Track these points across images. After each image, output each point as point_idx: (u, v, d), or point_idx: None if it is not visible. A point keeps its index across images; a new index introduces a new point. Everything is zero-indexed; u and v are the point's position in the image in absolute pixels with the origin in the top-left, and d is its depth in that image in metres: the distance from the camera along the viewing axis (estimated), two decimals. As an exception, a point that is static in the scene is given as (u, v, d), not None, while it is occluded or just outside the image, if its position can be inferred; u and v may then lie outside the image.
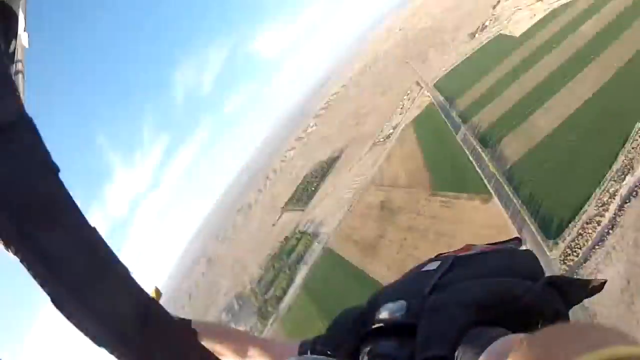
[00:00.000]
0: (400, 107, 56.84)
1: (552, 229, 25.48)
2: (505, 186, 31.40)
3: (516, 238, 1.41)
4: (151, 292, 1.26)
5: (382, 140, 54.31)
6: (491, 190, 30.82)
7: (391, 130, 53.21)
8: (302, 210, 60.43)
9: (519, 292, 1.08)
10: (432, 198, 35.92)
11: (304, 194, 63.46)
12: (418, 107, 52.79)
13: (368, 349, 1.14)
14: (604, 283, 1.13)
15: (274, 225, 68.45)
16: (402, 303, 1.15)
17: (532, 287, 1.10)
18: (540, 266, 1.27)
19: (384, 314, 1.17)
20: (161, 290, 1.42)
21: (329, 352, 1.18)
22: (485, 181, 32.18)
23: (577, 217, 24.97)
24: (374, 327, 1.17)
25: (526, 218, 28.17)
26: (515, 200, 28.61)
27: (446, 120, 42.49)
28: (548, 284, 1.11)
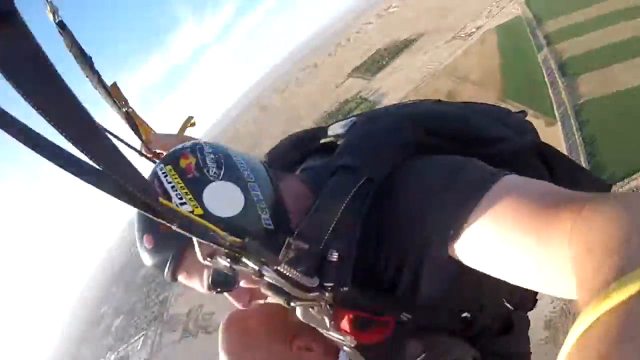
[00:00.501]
0: (488, 10, 56.57)
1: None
2: (572, 119, 33.50)
3: (522, 110, 1.25)
4: (186, 120, 1.59)
5: (463, 36, 55.58)
6: (557, 117, 33.42)
7: (474, 30, 53.99)
8: (368, 80, 65.77)
9: (493, 135, 1.00)
10: (499, 103, 38.42)
11: (373, 65, 67.84)
12: (506, 15, 53.00)
13: (302, 166, 1.13)
14: (610, 186, 1.04)
15: (337, 87, 74.91)
16: (352, 119, 1.12)
17: (515, 138, 1.02)
18: (536, 132, 1.15)
19: (332, 130, 1.14)
20: (196, 122, 1.51)
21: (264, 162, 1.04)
22: (555, 106, 34.12)
23: (626, 180, 27.31)
24: (320, 142, 1.16)
25: (581, 156, 30.68)
26: (576, 135, 31.35)
27: (531, 37, 43.83)
28: (537, 148, 1.01)
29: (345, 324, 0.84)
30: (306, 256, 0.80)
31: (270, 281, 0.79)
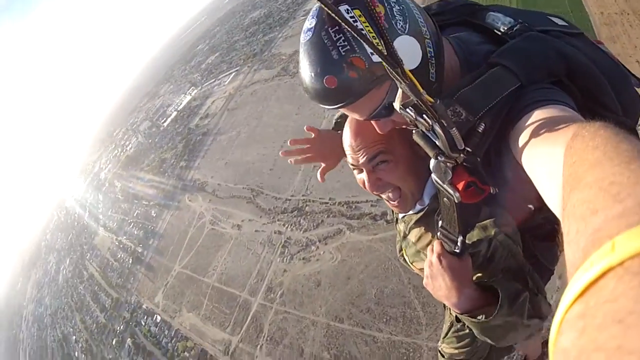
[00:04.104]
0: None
1: None
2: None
3: (637, 78, 1.40)
4: None
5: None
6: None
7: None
8: None
9: (610, 105, 1.18)
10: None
11: None
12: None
13: (454, 34, 1.34)
14: None
15: None
16: (510, 20, 1.31)
17: (620, 114, 1.20)
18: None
19: (489, 19, 1.35)
20: None
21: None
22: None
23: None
24: (480, 23, 1.36)
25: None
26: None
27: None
28: (634, 131, 1.18)
29: (460, 184, 1.03)
30: (462, 122, 1.00)
31: (428, 134, 1.00)
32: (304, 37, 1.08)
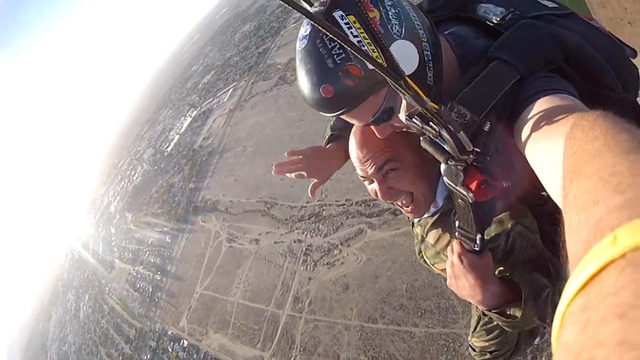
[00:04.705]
0: None
1: None
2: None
3: (633, 49, 1.41)
4: None
5: None
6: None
7: None
8: None
9: (610, 84, 1.17)
10: None
11: None
12: None
13: (449, 30, 1.33)
14: None
15: None
16: (501, 10, 1.29)
17: (620, 91, 1.19)
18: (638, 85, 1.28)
19: (481, 11, 1.33)
20: None
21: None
22: None
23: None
24: (473, 16, 1.35)
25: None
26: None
27: None
28: (635, 104, 1.17)
29: (473, 184, 1.05)
30: (467, 123, 1.00)
31: (436, 140, 1.01)
32: (299, 45, 1.10)
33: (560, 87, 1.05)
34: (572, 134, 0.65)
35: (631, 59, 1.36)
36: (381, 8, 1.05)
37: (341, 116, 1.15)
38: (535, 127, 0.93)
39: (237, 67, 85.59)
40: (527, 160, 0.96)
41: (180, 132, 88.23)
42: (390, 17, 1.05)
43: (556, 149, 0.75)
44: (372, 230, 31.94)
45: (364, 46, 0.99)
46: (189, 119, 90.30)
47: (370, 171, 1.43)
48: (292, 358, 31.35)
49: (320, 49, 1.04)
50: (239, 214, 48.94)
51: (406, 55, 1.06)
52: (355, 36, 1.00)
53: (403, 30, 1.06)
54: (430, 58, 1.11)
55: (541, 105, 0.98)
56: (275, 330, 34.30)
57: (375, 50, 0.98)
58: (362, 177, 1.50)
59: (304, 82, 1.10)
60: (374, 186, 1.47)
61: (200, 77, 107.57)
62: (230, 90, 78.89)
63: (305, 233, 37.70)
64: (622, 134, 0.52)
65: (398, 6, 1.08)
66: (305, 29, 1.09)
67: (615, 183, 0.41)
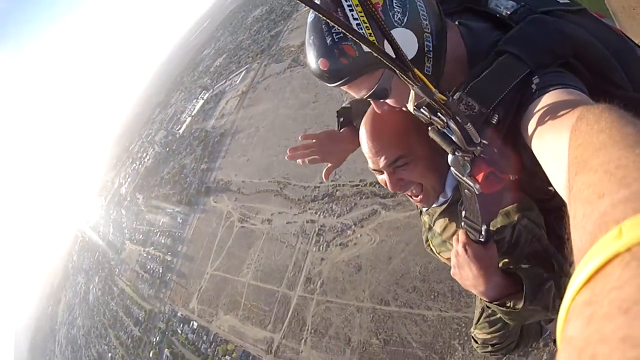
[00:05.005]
0: None
1: None
2: None
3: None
4: None
5: None
6: None
7: None
8: None
9: (618, 81, 1.18)
10: None
11: None
12: None
13: (460, 22, 1.34)
14: None
15: None
16: (512, 3, 1.30)
17: (630, 90, 1.20)
18: None
19: (492, 4, 1.34)
20: None
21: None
22: None
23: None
24: (484, 9, 1.36)
25: None
26: None
27: None
28: None
29: (480, 176, 1.07)
30: (475, 115, 1.05)
31: (444, 131, 1.04)
32: (309, 17, 1.17)
33: (568, 82, 1.06)
34: (577, 126, 0.65)
35: None
36: None
37: (340, 87, 1.21)
38: (542, 121, 0.95)
39: (250, 50, 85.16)
40: (534, 154, 0.97)
41: (192, 114, 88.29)
42: (394, 4, 1.09)
43: (561, 141, 0.76)
44: (386, 211, 31.57)
45: (361, 29, 1.05)
46: (201, 102, 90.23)
47: (381, 164, 1.45)
48: (303, 340, 31.26)
49: (323, 25, 1.12)
50: (251, 194, 48.77)
51: (404, 43, 1.08)
52: (355, 19, 1.06)
53: (405, 19, 1.10)
54: (430, 49, 1.14)
55: (549, 99, 0.99)
56: (287, 311, 34.23)
57: (372, 34, 1.05)
58: (372, 169, 1.52)
59: (307, 53, 1.17)
60: (384, 177, 1.49)
61: (212, 61, 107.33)
62: (243, 73, 78.50)
63: (318, 213, 37.39)
64: (627, 127, 0.52)
65: None
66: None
67: (620, 176, 0.41)
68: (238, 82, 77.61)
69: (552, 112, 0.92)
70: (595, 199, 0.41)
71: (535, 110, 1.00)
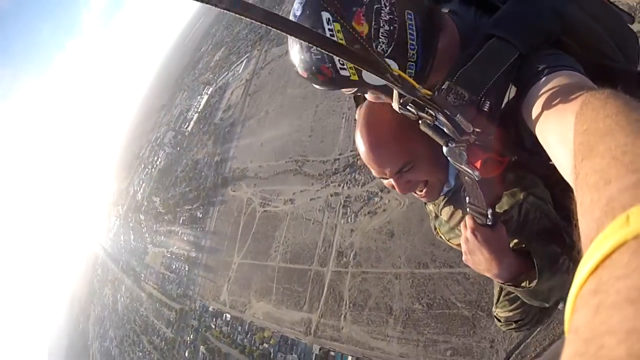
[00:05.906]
0: None
1: None
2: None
3: (630, 14, 1.42)
4: None
5: None
6: None
7: None
8: None
9: (610, 54, 1.20)
10: None
11: None
12: None
13: (450, 9, 1.33)
14: None
15: None
16: None
17: (622, 61, 1.21)
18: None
19: None
20: None
21: None
22: None
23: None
24: None
25: None
26: None
27: None
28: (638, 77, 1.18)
29: (478, 162, 1.08)
30: (465, 104, 1.03)
31: (436, 124, 1.03)
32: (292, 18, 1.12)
33: (565, 64, 1.05)
34: (583, 111, 0.65)
35: (630, 27, 1.35)
36: (373, 23, 1.04)
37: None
38: (545, 106, 0.93)
39: (248, 39, 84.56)
40: (535, 136, 0.97)
41: (199, 110, 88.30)
42: (381, 34, 1.05)
43: (566, 127, 0.77)
44: (413, 172, 30.86)
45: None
46: (205, 97, 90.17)
47: (388, 174, 1.43)
48: (342, 316, 30.88)
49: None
50: (269, 177, 48.45)
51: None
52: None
53: (389, 50, 1.07)
54: (411, 71, 1.12)
55: (549, 83, 0.98)
56: (321, 289, 33.86)
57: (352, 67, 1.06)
58: (377, 176, 1.49)
59: (290, 49, 1.14)
60: (391, 181, 1.46)
61: (211, 56, 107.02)
62: (244, 62, 77.96)
63: (342, 185, 36.78)
64: (633, 113, 0.51)
65: (395, 22, 1.06)
66: (297, 6, 1.09)
67: (627, 162, 0.41)
68: (240, 71, 77.17)
69: (555, 97, 0.90)
70: (602, 185, 0.41)
71: (536, 95, 0.97)
